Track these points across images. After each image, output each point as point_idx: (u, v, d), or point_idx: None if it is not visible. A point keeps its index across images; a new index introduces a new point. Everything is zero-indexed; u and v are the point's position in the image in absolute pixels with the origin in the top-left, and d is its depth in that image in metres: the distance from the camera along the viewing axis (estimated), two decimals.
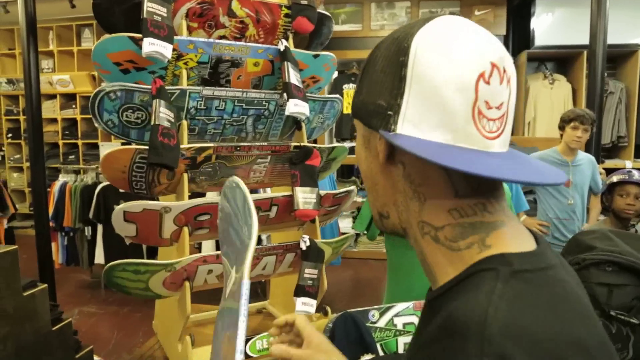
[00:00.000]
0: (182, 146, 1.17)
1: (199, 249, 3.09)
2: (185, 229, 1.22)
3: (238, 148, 1.26)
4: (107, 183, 3.88)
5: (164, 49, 1.14)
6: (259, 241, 3.27)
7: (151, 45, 1.12)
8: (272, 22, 1.40)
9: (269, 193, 2.04)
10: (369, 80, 0.51)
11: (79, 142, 5.63)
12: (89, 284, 4.27)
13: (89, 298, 3.94)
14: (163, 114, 1.13)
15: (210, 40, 1.26)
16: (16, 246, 1.28)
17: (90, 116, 4.65)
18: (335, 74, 4.55)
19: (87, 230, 3.93)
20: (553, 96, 4.71)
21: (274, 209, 1.35)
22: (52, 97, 5.57)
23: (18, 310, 1.28)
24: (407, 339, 1.15)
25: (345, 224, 4.82)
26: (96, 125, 1.21)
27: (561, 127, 2.61)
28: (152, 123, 1.12)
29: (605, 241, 1.38)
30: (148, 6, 1.16)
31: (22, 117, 5.81)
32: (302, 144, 1.36)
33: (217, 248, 3.22)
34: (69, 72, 5.42)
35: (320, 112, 1.49)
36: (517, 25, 4.84)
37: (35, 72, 3.00)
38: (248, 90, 1.30)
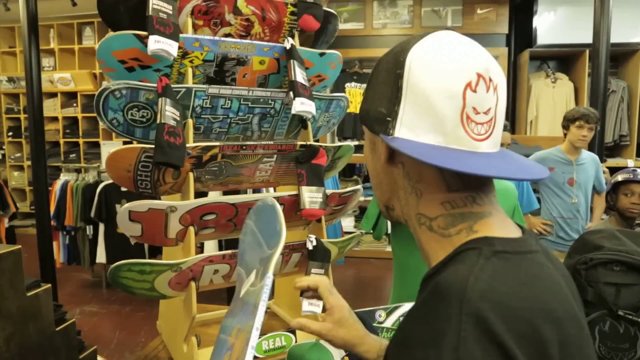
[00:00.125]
0: (188, 145, 1.16)
1: (200, 248, 3.09)
2: (191, 229, 1.21)
3: (244, 147, 1.24)
4: (109, 182, 3.87)
5: (170, 47, 1.13)
6: None
7: (157, 43, 1.10)
8: (277, 20, 1.39)
9: (272, 193, 2.03)
10: (372, 90, 0.58)
11: (80, 140, 5.63)
12: (90, 283, 4.27)
13: (90, 297, 3.94)
14: (169, 112, 1.12)
15: (216, 38, 1.25)
16: (19, 246, 1.27)
17: (91, 114, 4.66)
18: None
19: (89, 229, 3.93)
20: (555, 95, 4.70)
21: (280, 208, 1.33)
22: (53, 95, 5.57)
23: (22, 310, 1.27)
24: None
25: (347, 223, 4.82)
26: (101, 123, 1.20)
27: (565, 126, 2.60)
28: (158, 121, 1.11)
29: (613, 240, 1.37)
30: (154, 3, 1.14)
31: (22, 116, 5.80)
32: (308, 142, 1.35)
33: (220, 248, 3.22)
34: (70, 71, 5.42)
35: (326, 110, 1.48)
36: (519, 24, 4.83)
37: (37, 70, 2.99)
38: (254, 88, 1.29)
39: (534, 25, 4.64)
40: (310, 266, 1.29)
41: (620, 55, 4.63)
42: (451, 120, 0.51)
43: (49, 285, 1.37)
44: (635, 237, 1.40)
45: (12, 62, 5.90)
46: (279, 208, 0.78)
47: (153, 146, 1.11)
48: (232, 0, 1.30)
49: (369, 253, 4.83)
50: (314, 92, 1.36)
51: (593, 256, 1.33)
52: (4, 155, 6.03)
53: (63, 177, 4.05)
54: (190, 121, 1.24)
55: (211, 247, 3.02)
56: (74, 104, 5.59)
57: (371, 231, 1.54)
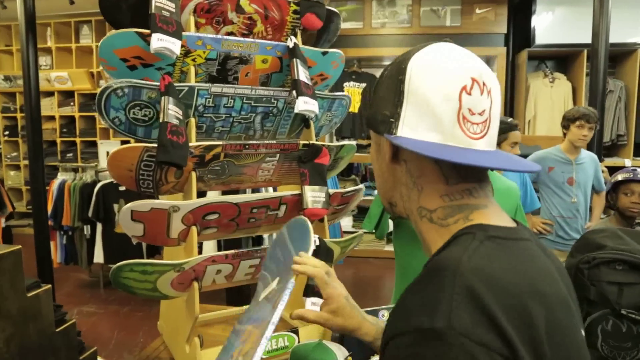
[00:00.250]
0: (190, 144, 1.15)
1: (199, 248, 3.07)
2: (194, 229, 1.20)
3: (247, 146, 1.24)
4: (107, 181, 3.85)
5: (173, 45, 1.12)
6: (261, 241, 3.25)
7: (160, 41, 1.09)
8: (280, 18, 1.38)
9: (271, 192, 2.02)
10: (377, 97, 0.63)
11: (77, 139, 5.59)
12: (88, 283, 4.25)
13: (88, 297, 3.91)
14: (172, 111, 1.11)
15: (219, 36, 1.24)
16: (19, 246, 1.26)
17: (88, 114, 4.61)
18: None
19: (86, 229, 3.90)
20: (553, 95, 4.71)
21: (283, 207, 1.33)
22: (49, 94, 5.53)
23: (22, 311, 1.25)
24: None
25: (346, 223, 4.81)
26: (102, 122, 1.19)
27: (565, 126, 2.60)
28: (160, 120, 1.10)
29: (615, 240, 1.37)
30: (156, 1, 1.14)
31: (19, 115, 5.76)
32: (311, 142, 1.35)
33: (219, 248, 3.19)
34: (67, 69, 5.38)
35: (329, 109, 1.48)
36: (517, 24, 4.83)
37: (35, 69, 2.97)
38: (257, 87, 1.28)
39: (532, 25, 4.64)
40: None
41: (618, 55, 4.64)
42: (449, 120, 0.56)
43: (49, 285, 1.36)
44: (638, 236, 1.40)
45: (8, 60, 5.86)
46: (310, 225, 0.92)
47: (156, 145, 1.11)
48: None
49: (367, 252, 4.82)
50: (316, 91, 1.35)
51: (596, 255, 1.33)
52: (0, 154, 5.99)
53: (60, 177, 4.03)
54: (192, 120, 1.23)
55: (210, 247, 3.00)
56: (71, 103, 5.56)
57: (373, 231, 1.53)
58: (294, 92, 1.27)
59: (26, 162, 5.71)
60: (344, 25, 4.79)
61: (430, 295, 0.51)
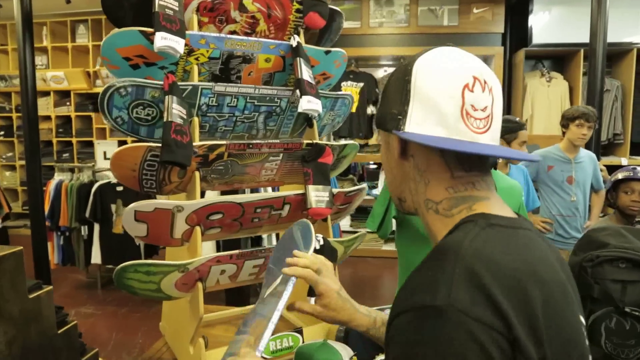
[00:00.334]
0: (194, 144, 1.14)
1: None
2: (198, 229, 1.20)
3: (250, 145, 1.23)
4: (104, 181, 3.83)
5: (177, 44, 1.11)
6: (260, 241, 3.25)
7: (163, 40, 1.09)
8: (283, 17, 1.38)
9: (270, 192, 2.01)
10: (385, 98, 0.67)
11: (74, 139, 5.56)
12: (85, 284, 4.22)
13: (86, 298, 3.89)
14: (176, 110, 1.11)
15: (222, 35, 1.23)
16: (21, 247, 1.24)
17: (84, 113, 4.58)
18: None
19: (84, 230, 3.87)
20: (550, 94, 4.73)
21: (287, 207, 1.32)
22: (45, 94, 5.48)
23: (24, 313, 1.24)
24: None
25: (345, 222, 4.81)
26: (105, 122, 1.18)
27: (565, 125, 2.61)
28: (164, 120, 1.09)
29: (618, 238, 1.38)
30: (160, 0, 1.13)
31: (14, 115, 5.72)
32: (314, 141, 1.34)
33: (218, 249, 3.17)
34: (63, 69, 5.34)
35: (332, 109, 1.47)
36: (515, 23, 4.85)
37: (32, 68, 2.94)
38: (260, 86, 1.27)
39: (529, 25, 4.66)
40: None
41: (614, 55, 4.66)
42: (453, 116, 0.60)
43: (51, 287, 1.35)
44: None
45: (3, 60, 5.81)
46: (312, 227, 1.01)
47: (159, 145, 1.10)
48: None
49: (365, 252, 4.82)
50: (319, 91, 1.35)
51: (599, 253, 1.34)
52: None
53: (57, 177, 4.00)
54: (196, 119, 1.23)
55: (209, 248, 2.99)
56: (67, 103, 5.52)
57: (376, 230, 1.53)
58: (298, 91, 1.26)
59: (22, 162, 5.67)
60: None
61: (433, 276, 0.54)
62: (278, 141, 1.27)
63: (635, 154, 4.61)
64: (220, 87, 1.21)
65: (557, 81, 4.75)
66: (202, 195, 1.64)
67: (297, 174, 1.41)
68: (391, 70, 5.13)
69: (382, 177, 5.07)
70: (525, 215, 1.74)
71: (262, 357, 1.24)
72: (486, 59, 4.77)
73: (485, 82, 0.61)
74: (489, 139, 0.62)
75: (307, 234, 1.01)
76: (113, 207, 3.82)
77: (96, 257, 3.88)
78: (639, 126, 4.70)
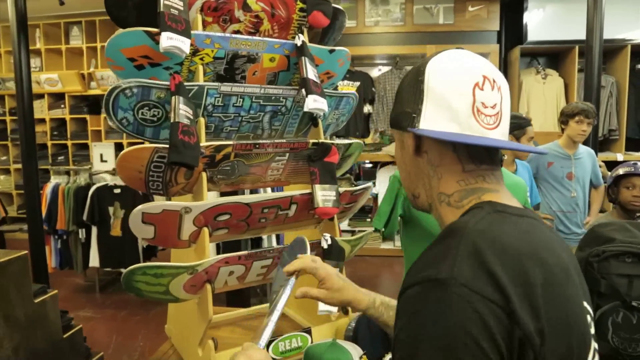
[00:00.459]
0: (201, 144, 1.13)
1: None
2: (205, 230, 1.19)
3: (257, 145, 1.22)
4: (101, 184, 3.80)
5: (182, 44, 1.10)
6: (260, 242, 3.24)
7: (169, 40, 1.08)
8: (286, 16, 1.37)
9: (269, 193, 2.00)
10: (399, 99, 0.71)
11: (69, 142, 5.52)
12: (83, 287, 4.19)
13: (84, 302, 3.86)
14: (183, 111, 1.10)
15: (227, 35, 1.22)
16: (26, 251, 1.23)
17: (79, 116, 4.54)
18: None
19: (81, 233, 3.84)
20: (546, 91, 4.75)
21: (293, 207, 1.32)
22: (39, 96, 5.43)
23: (29, 318, 1.23)
24: None
25: (343, 222, 4.80)
26: (110, 123, 1.16)
27: (564, 122, 2.63)
28: (171, 120, 1.08)
29: (624, 233, 1.38)
30: None
31: (8, 118, 5.66)
32: (320, 140, 1.34)
33: (218, 251, 3.16)
34: (57, 71, 5.30)
35: (336, 108, 1.47)
36: (510, 21, 4.87)
37: (27, 71, 2.92)
38: (266, 86, 1.27)
39: (524, 22, 4.68)
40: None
41: (608, 52, 4.70)
42: (464, 113, 0.63)
43: (56, 291, 1.34)
44: None
45: None
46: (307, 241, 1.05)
47: (166, 146, 1.09)
48: None
49: (364, 251, 4.82)
50: (324, 89, 1.34)
51: (605, 248, 1.34)
52: None
53: (54, 180, 3.96)
54: (202, 120, 1.22)
55: (211, 249, 2.97)
56: (62, 105, 5.47)
57: (382, 229, 1.52)
58: (304, 90, 1.25)
59: (17, 165, 5.62)
60: None
61: (439, 253, 0.59)
62: (284, 141, 1.26)
63: (630, 150, 4.65)
64: (226, 87, 1.20)
65: (552, 78, 4.78)
66: None
67: (302, 173, 1.40)
68: (387, 69, 5.13)
69: (379, 176, 5.08)
70: None
71: (272, 357, 1.23)
72: (481, 56, 4.78)
73: (494, 81, 0.65)
74: (499, 135, 0.65)
75: (302, 246, 1.04)
76: (111, 209, 3.79)
77: (94, 260, 3.86)
78: (634, 122, 4.74)
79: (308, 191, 1.30)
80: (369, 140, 5.06)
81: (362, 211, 4.93)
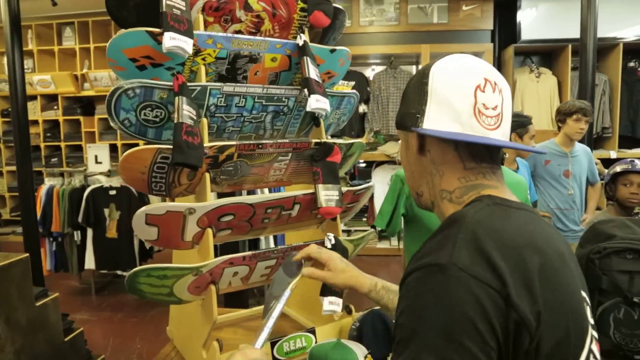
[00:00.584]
0: (204, 145, 1.13)
1: None
2: (209, 231, 1.18)
3: (260, 146, 1.22)
4: (96, 186, 3.77)
5: (185, 44, 1.09)
6: (258, 243, 3.23)
7: (172, 40, 1.07)
8: (287, 16, 1.36)
9: (267, 194, 2.00)
10: (405, 100, 0.74)
11: (62, 144, 5.46)
12: (79, 290, 4.16)
13: (80, 305, 3.83)
14: (186, 111, 1.09)
15: (229, 35, 1.22)
16: (27, 254, 1.22)
17: (73, 117, 4.50)
18: None
19: (77, 235, 3.81)
20: (539, 89, 4.78)
21: (296, 207, 1.31)
22: (32, 98, 5.38)
23: (31, 321, 1.22)
24: None
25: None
26: (112, 124, 1.15)
27: (561, 120, 2.64)
28: (175, 121, 1.07)
29: (624, 229, 1.40)
30: None
31: (0, 119, 5.59)
32: (322, 140, 1.33)
33: (215, 252, 3.16)
34: (49, 72, 5.25)
35: (338, 107, 1.47)
36: (503, 20, 4.90)
37: (21, 72, 2.89)
38: (269, 86, 1.26)
39: (518, 21, 4.71)
40: None
41: (601, 50, 4.73)
42: (466, 113, 0.66)
43: (57, 294, 1.33)
44: None
45: None
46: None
47: (169, 147, 1.08)
48: None
49: (360, 250, 4.83)
50: (326, 89, 1.34)
51: (606, 245, 1.36)
52: None
53: (48, 182, 3.93)
54: (204, 120, 1.21)
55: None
56: (55, 107, 5.42)
57: (385, 228, 1.52)
58: (306, 90, 1.25)
59: (9, 167, 5.56)
60: None
61: (439, 241, 0.61)
62: (287, 141, 1.26)
63: (623, 147, 4.69)
64: (229, 88, 1.20)
65: (546, 77, 4.81)
66: None
67: (304, 173, 1.40)
68: (381, 68, 5.14)
69: (374, 175, 5.09)
70: None
71: (277, 358, 1.23)
72: (476, 56, 4.80)
73: (495, 84, 0.68)
74: (500, 135, 0.68)
75: (291, 265, 1.06)
76: (106, 211, 3.76)
77: (90, 263, 3.83)
78: (627, 119, 4.78)
79: (311, 191, 1.30)
80: (364, 139, 5.07)
81: (360, 210, 4.94)
